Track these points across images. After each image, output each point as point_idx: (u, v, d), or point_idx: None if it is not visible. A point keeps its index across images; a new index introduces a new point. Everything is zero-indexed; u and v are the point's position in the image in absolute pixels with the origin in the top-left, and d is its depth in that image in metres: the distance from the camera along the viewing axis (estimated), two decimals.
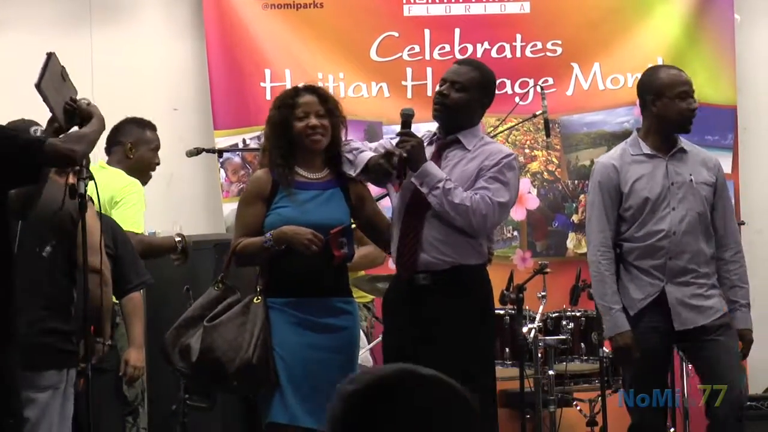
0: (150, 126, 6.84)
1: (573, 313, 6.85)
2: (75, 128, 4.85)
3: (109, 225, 6.11)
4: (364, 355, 6.37)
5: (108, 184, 6.41)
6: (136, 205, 6.40)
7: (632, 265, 5.62)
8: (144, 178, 6.71)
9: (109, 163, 6.66)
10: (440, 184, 5.11)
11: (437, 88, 5.36)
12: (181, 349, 5.09)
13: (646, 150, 5.65)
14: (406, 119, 5.24)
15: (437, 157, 5.28)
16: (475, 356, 5.21)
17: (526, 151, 8.08)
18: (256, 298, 5.11)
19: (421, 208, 5.19)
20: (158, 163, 6.78)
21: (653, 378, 5.59)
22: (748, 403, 6.76)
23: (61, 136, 4.76)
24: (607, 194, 5.65)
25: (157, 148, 6.78)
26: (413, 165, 5.14)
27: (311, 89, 5.27)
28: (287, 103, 5.20)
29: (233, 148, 7.76)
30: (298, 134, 5.15)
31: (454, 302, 5.16)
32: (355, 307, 5.27)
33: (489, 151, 5.29)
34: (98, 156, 6.70)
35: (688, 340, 5.60)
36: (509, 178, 5.28)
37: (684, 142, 5.70)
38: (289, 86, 7.71)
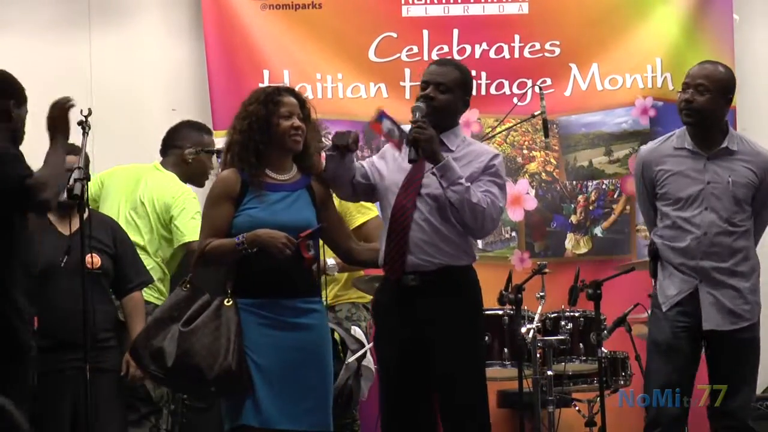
0: (207, 131, 6.85)
1: (572, 314, 6.86)
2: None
3: (108, 224, 6.12)
4: (366, 356, 6.37)
5: (162, 189, 6.43)
6: (198, 213, 6.40)
7: (668, 263, 5.64)
8: (200, 182, 6.75)
9: (163, 164, 6.66)
10: (461, 180, 5.12)
11: (421, 91, 5.32)
12: (152, 352, 5.06)
13: (689, 145, 5.65)
14: (415, 112, 5.20)
15: (422, 159, 5.26)
16: (467, 357, 5.22)
17: (525, 151, 8.08)
18: (227, 300, 5.10)
19: (408, 211, 5.18)
20: (213, 168, 6.77)
21: (675, 376, 5.58)
22: None
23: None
24: (643, 185, 5.77)
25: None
26: (431, 157, 5.13)
27: (291, 92, 5.30)
28: (273, 100, 5.21)
29: None
30: (282, 132, 5.17)
31: (445, 303, 5.16)
32: (322, 305, 5.29)
33: (476, 153, 5.30)
34: (153, 157, 6.74)
35: (712, 341, 5.61)
36: (504, 180, 5.32)
37: (735, 140, 5.67)
38: None
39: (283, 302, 5.11)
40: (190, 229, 6.33)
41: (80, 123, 5.35)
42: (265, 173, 5.20)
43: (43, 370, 5.64)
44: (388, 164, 5.35)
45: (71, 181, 5.16)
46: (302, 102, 5.25)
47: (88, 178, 5.18)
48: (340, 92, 7.89)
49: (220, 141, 7.75)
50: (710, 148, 5.64)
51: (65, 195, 5.18)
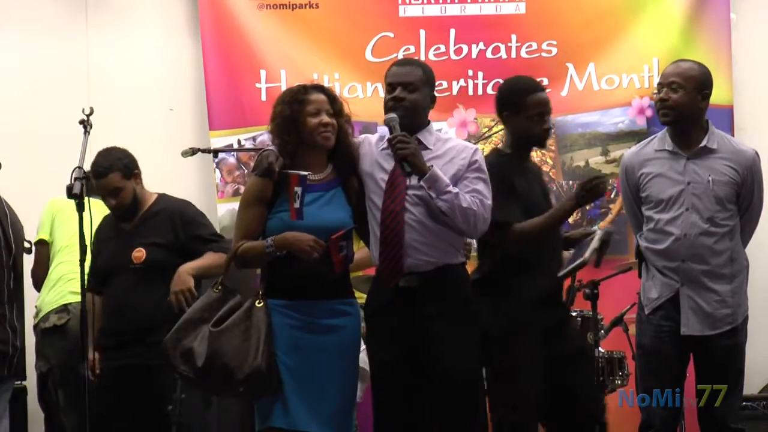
0: None
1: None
2: None
3: (170, 212, 6.17)
4: (361, 357, 6.36)
5: None
6: None
7: (651, 264, 5.65)
8: None
9: None
10: (450, 188, 5.09)
11: (387, 94, 5.25)
12: (182, 353, 5.02)
13: (669, 147, 5.66)
14: (393, 125, 5.16)
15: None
16: (468, 353, 5.21)
17: None
18: (258, 302, 5.06)
19: (398, 215, 5.15)
20: None
21: (661, 378, 5.59)
22: (744, 403, 6.78)
23: None
24: (628, 190, 5.78)
25: None
26: (418, 169, 5.09)
27: (320, 88, 5.22)
28: (299, 99, 5.13)
29: (229, 149, 7.76)
30: (311, 131, 5.10)
31: (443, 302, 5.15)
32: (356, 308, 5.24)
33: (457, 149, 5.26)
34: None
35: (694, 345, 5.61)
36: (487, 174, 5.30)
37: (715, 139, 5.66)
38: (284, 87, 7.74)
39: (313, 304, 5.08)
40: None
41: (82, 122, 5.36)
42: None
43: (107, 366, 5.83)
44: (365, 164, 5.29)
45: (71, 180, 5.16)
46: (332, 97, 5.18)
47: (86, 177, 5.17)
48: (337, 92, 7.84)
49: (216, 141, 7.80)
50: (690, 147, 5.65)
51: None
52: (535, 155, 8.07)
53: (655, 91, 5.77)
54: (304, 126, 5.10)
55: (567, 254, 5.83)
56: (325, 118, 5.10)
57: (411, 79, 5.24)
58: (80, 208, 5.13)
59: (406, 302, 5.14)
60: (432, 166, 5.12)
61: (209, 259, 5.93)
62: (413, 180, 5.13)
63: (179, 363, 5.04)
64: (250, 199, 5.17)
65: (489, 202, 5.21)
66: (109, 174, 5.97)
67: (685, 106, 5.61)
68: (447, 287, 5.17)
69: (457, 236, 5.23)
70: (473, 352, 5.27)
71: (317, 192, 5.13)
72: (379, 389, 5.24)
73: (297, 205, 5.05)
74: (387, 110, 5.22)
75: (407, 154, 5.07)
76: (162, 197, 6.15)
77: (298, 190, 5.05)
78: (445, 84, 7.92)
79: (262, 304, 5.05)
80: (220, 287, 5.12)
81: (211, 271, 5.83)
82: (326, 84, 7.75)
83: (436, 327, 5.12)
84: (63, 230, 6.73)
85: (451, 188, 5.10)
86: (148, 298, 5.87)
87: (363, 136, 5.40)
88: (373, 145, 5.30)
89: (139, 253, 5.97)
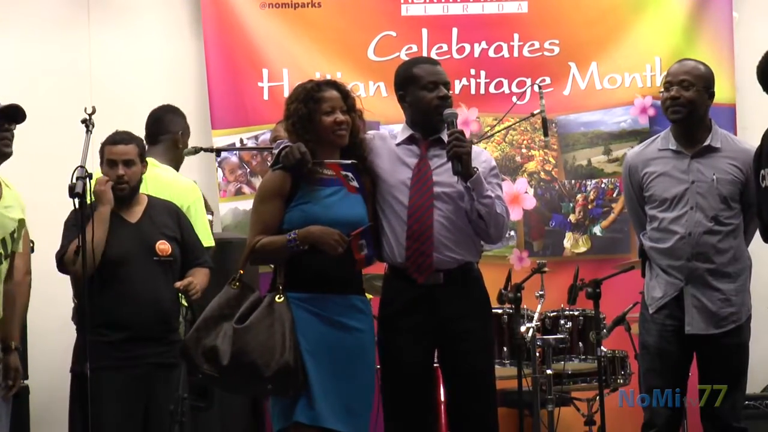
0: (182, 113, 6.84)
1: (571, 313, 6.87)
2: None
3: (172, 209, 6.08)
4: None
5: (172, 190, 6.32)
6: (205, 216, 6.43)
7: (655, 263, 5.65)
8: (180, 164, 6.74)
9: (152, 154, 6.49)
10: (489, 193, 5.12)
11: (443, 92, 5.24)
12: (204, 351, 4.95)
13: (673, 146, 5.67)
14: (452, 120, 5.17)
15: (425, 157, 5.25)
16: (491, 348, 5.34)
17: (523, 150, 8.09)
18: (278, 297, 5.01)
19: (427, 211, 5.16)
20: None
21: (664, 377, 5.59)
22: (747, 402, 6.77)
23: None
24: (631, 189, 5.78)
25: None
26: (467, 170, 5.09)
27: (332, 84, 5.20)
28: (314, 96, 5.10)
29: (231, 148, 7.76)
30: (325, 129, 5.09)
31: (467, 300, 5.18)
32: (369, 306, 5.20)
33: (475, 152, 5.24)
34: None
35: (698, 344, 5.61)
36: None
37: (718, 137, 5.68)
38: (286, 86, 7.77)
39: (331, 298, 5.04)
40: (205, 236, 6.28)
41: (84, 121, 5.34)
42: (316, 169, 5.11)
43: (114, 365, 5.64)
44: (383, 160, 5.28)
45: (73, 179, 5.14)
46: (345, 94, 5.16)
47: (89, 176, 5.15)
48: None
49: (218, 140, 7.80)
50: (694, 146, 5.66)
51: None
52: (538, 154, 8.08)
53: (662, 90, 5.76)
54: (319, 124, 5.08)
55: None
56: (340, 116, 5.09)
57: (448, 79, 5.28)
58: (82, 207, 5.10)
59: (431, 300, 5.14)
60: (477, 169, 5.12)
61: (200, 276, 5.91)
62: (441, 177, 5.15)
63: (202, 362, 4.95)
64: (269, 193, 5.12)
65: (507, 206, 5.25)
66: (130, 144, 5.89)
67: (697, 104, 5.64)
68: (469, 285, 5.21)
69: (476, 234, 5.25)
70: (493, 345, 5.44)
71: (334, 186, 5.12)
72: (396, 387, 5.19)
73: (355, 183, 5.10)
74: (433, 108, 5.21)
75: (464, 153, 5.07)
76: (150, 196, 6.09)
77: (348, 173, 5.09)
78: None
79: (282, 299, 4.99)
80: (237, 283, 5.06)
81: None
82: None
83: (462, 325, 5.14)
84: None
85: (489, 193, 5.12)
86: (169, 293, 5.82)
87: (372, 132, 5.40)
88: (387, 140, 5.30)
89: (165, 246, 5.86)
